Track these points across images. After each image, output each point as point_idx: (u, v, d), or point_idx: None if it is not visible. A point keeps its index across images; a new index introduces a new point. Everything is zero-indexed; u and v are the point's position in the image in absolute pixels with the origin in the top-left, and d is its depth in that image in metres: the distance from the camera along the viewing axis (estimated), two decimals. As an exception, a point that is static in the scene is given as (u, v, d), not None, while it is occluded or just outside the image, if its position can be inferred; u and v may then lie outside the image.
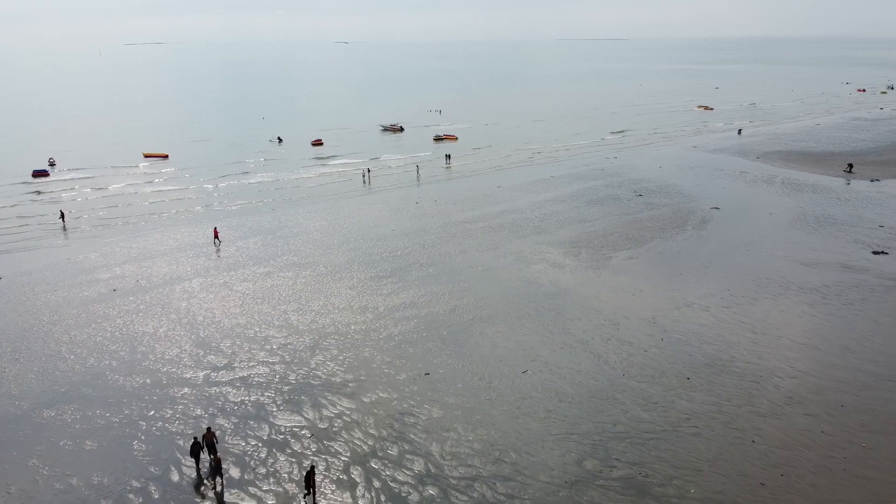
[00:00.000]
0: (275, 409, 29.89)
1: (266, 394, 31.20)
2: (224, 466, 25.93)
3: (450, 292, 43.19)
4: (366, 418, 29.01)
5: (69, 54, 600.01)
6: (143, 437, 27.95)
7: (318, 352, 35.20)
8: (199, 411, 29.85)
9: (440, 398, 30.45)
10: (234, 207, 67.22)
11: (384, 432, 27.93)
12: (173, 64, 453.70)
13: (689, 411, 29.38)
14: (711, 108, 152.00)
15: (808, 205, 65.33)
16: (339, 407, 29.97)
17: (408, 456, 26.36)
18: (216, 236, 54.65)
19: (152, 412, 29.81)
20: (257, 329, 38.15)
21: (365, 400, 30.49)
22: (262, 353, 35.17)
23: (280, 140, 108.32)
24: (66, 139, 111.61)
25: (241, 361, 34.33)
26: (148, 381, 32.55)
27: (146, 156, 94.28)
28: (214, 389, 31.68)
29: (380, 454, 26.56)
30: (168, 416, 29.51)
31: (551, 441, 27.17)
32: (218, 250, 52.84)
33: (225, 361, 34.34)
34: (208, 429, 26.19)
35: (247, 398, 30.86)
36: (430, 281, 45.21)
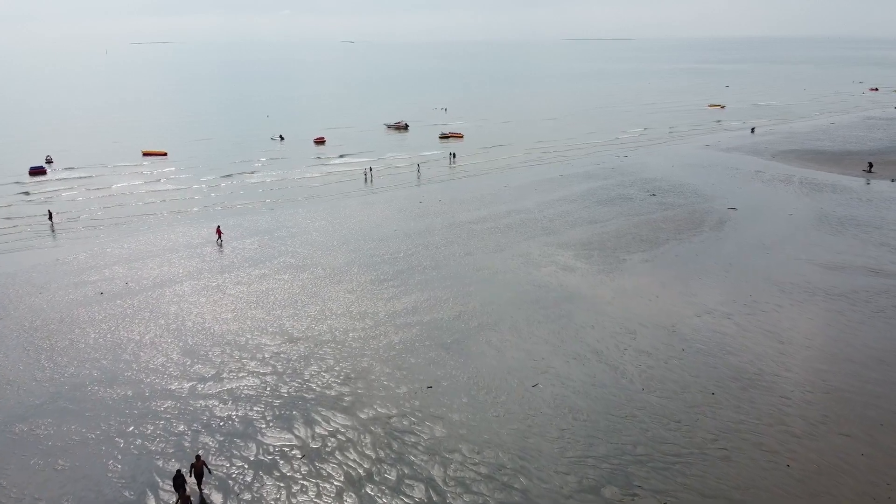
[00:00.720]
0: (264, 426, 27.53)
1: (255, 408, 28.84)
2: (205, 491, 23.57)
3: (454, 297, 40.78)
4: (362, 437, 26.61)
5: (71, 54, 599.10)
6: (119, 457, 25.62)
7: (312, 362, 32.84)
8: (181, 427, 27.51)
9: (443, 414, 28.03)
10: (231, 207, 64.97)
11: (382, 453, 25.52)
12: (178, 63, 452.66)
13: (715, 431, 26.87)
14: (723, 107, 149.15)
15: (828, 205, 62.63)
16: (333, 424, 27.58)
17: (407, 481, 23.93)
18: (219, 235, 52.60)
19: (131, 428, 27.49)
20: (249, 336, 35.82)
21: (361, 416, 28.10)
22: (252, 363, 32.83)
23: (282, 138, 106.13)
24: (66, 137, 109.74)
25: (231, 372, 31.99)
26: (129, 392, 30.25)
27: (145, 154, 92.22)
28: (200, 403, 29.35)
29: (376, 478, 24.14)
30: (148, 432, 27.18)
31: (565, 465, 24.70)
32: (221, 249, 50.78)
33: (213, 372, 32.01)
34: (198, 456, 23.73)
35: (234, 413, 28.51)
36: (434, 285, 42.81)
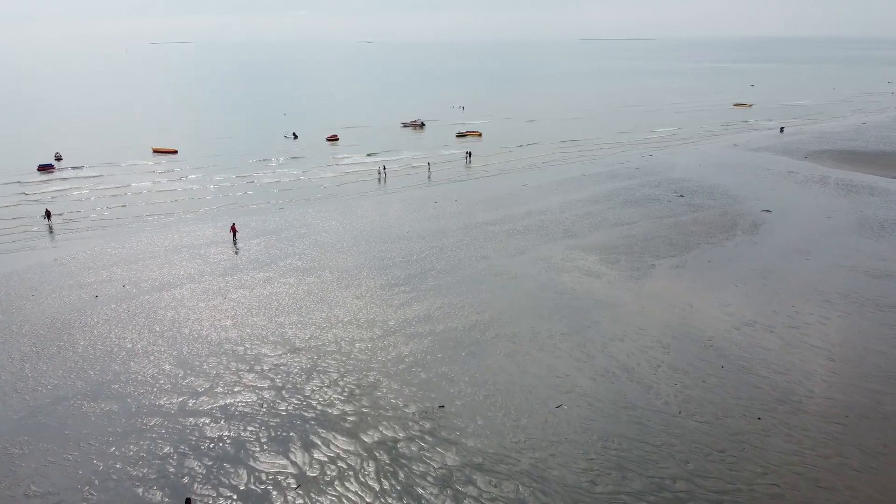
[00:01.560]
0: (257, 450, 24.83)
1: (249, 428, 26.18)
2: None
3: (470, 304, 37.90)
4: (365, 465, 23.81)
5: (73, 54, 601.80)
6: (96, 483, 23.07)
7: (315, 375, 30.13)
8: (167, 449, 24.90)
9: (457, 439, 25.15)
10: (240, 206, 62.64)
11: (386, 484, 22.70)
12: (195, 63, 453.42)
13: (764, 463, 23.73)
14: (750, 105, 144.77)
15: (868, 208, 58.88)
16: (333, 448, 24.82)
17: (414, 519, 21.11)
18: (234, 233, 50.84)
19: (113, 448, 24.94)
20: (248, 345, 33.21)
21: (366, 439, 25.31)
22: (250, 376, 30.20)
23: (295, 136, 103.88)
24: (77, 135, 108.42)
25: (225, 386, 29.38)
26: (115, 407, 27.73)
27: (155, 151, 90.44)
28: (190, 420, 26.75)
29: (380, 515, 21.35)
30: (131, 454, 24.61)
31: (595, 502, 21.69)
32: (236, 248, 48.66)
33: (206, 385, 29.41)
34: (188, 500, 21.01)
35: (226, 433, 25.86)
36: (448, 290, 39.95)
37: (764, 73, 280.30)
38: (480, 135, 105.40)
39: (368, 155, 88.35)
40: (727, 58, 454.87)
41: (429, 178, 74.36)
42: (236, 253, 47.86)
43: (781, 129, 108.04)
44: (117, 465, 23.97)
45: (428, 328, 34.81)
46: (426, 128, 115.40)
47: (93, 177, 74.98)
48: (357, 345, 33.06)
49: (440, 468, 23.48)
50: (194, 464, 24.04)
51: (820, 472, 23.39)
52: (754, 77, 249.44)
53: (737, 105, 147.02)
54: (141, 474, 23.51)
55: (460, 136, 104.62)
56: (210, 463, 24.08)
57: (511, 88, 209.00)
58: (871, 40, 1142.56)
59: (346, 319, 36.11)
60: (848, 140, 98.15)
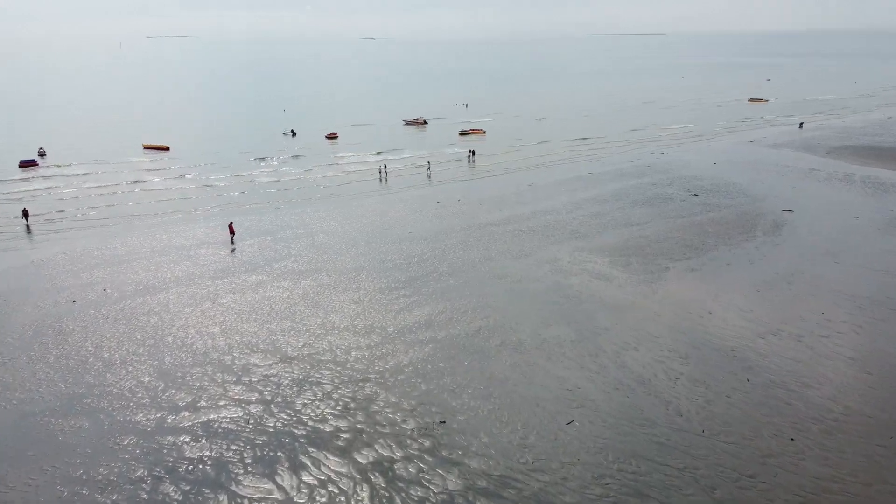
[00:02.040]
0: (240, 472, 22.54)
1: (233, 447, 23.89)
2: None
3: (473, 309, 35.54)
4: (359, 490, 21.48)
5: (73, 52, 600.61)
6: (59, 510, 20.82)
7: (307, 387, 27.83)
8: (140, 471, 22.63)
9: (459, 459, 22.80)
10: (233, 205, 60.44)
11: (380, 515, 20.37)
12: (193, 59, 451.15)
13: (800, 490, 21.29)
14: (766, 101, 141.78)
15: None
16: (324, 469, 22.51)
17: (410, 556, 18.77)
18: (231, 233, 48.82)
19: (80, 472, 22.68)
20: (237, 354, 30.94)
21: (360, 460, 22.98)
22: (237, 388, 27.92)
23: (294, 133, 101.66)
24: (67, 131, 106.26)
25: (210, 399, 27.11)
26: (86, 424, 25.48)
27: (146, 147, 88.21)
28: (168, 439, 24.47)
29: (371, 551, 19.02)
30: (100, 478, 22.35)
31: (613, 537, 19.32)
32: (233, 248, 46.79)
33: (189, 399, 27.15)
34: None
35: (207, 453, 23.58)
36: (450, 294, 37.59)
37: (777, 67, 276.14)
38: (484, 132, 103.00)
39: (377, 153, 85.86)
40: (736, 52, 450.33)
41: (428, 177, 72.01)
42: (232, 252, 45.76)
43: (801, 125, 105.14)
44: (83, 492, 21.72)
45: (429, 335, 32.47)
46: (429, 126, 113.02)
47: (78, 174, 72.66)
48: (353, 353, 30.75)
49: (440, 493, 21.14)
50: (170, 489, 21.76)
51: (861, 500, 20.96)
52: (768, 72, 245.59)
53: (752, 100, 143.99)
54: (110, 502, 21.25)
55: (463, 134, 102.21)
56: (187, 487, 21.80)
57: (516, 86, 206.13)
58: (872, 33, 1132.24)
59: (342, 326, 33.81)
60: (873, 136, 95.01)
